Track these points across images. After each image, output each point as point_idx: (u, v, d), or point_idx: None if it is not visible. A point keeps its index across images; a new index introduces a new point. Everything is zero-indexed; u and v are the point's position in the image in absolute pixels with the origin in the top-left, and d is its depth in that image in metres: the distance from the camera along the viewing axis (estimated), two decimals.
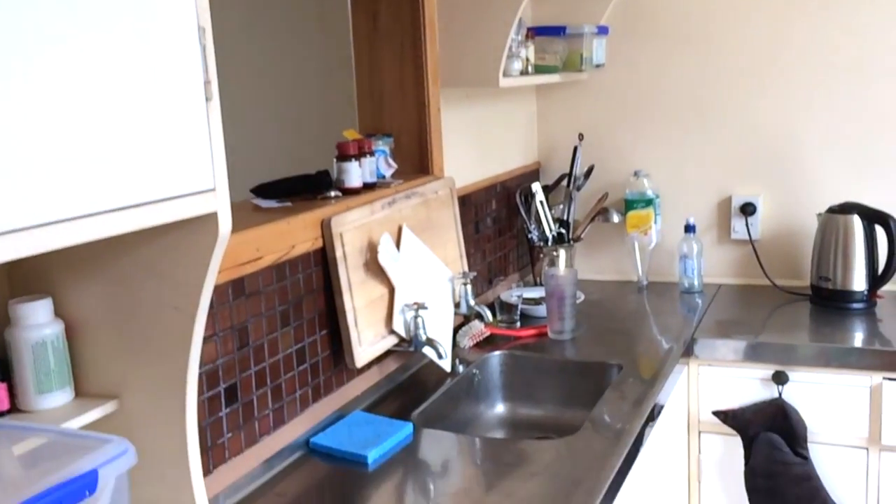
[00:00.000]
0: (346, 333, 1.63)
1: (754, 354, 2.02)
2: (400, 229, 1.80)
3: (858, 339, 2.02)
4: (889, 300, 2.24)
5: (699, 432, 2.11)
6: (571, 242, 2.41)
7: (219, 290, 1.34)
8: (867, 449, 1.96)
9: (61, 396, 0.95)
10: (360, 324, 1.65)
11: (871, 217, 2.15)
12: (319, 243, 1.58)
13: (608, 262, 2.62)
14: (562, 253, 2.37)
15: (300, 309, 1.55)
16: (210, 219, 0.89)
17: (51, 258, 0.97)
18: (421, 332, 1.77)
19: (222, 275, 1.34)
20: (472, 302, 2.00)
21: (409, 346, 1.79)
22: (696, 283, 2.41)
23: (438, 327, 1.87)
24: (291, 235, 1.51)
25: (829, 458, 1.98)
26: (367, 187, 1.76)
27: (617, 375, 1.88)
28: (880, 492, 1.95)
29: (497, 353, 2.05)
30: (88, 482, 0.70)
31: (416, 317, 1.76)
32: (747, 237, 2.42)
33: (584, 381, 1.97)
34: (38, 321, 0.93)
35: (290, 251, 1.50)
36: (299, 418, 1.56)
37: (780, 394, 2.00)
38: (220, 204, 0.89)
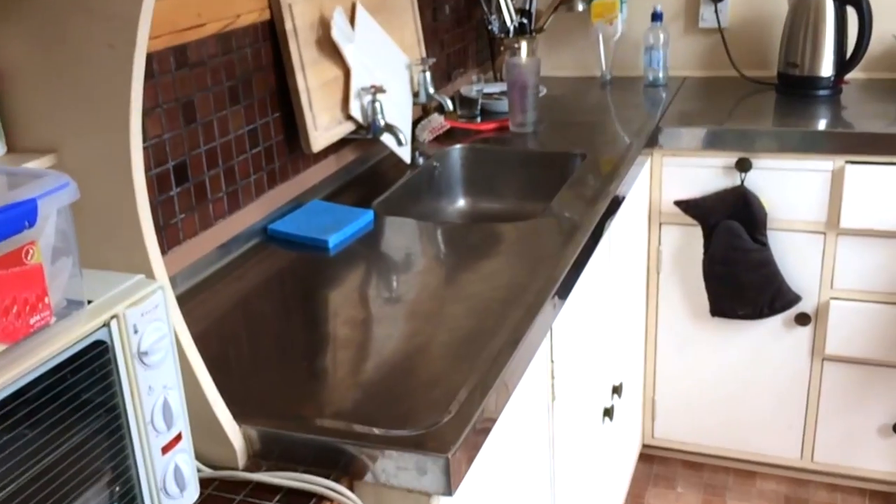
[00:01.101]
0: (301, 116, 1.54)
1: (718, 142, 1.99)
2: (353, 7, 1.67)
3: (822, 123, 1.99)
4: (854, 86, 2.21)
5: (660, 223, 2.11)
6: (533, 34, 2.30)
7: (160, 57, 1.24)
8: (825, 234, 1.98)
9: None
10: (314, 106, 1.56)
11: None
12: (267, 14, 1.46)
13: (571, 56, 2.53)
14: (523, 45, 2.27)
15: (250, 87, 1.45)
16: None
17: None
18: (379, 117, 1.69)
19: (162, 40, 1.23)
20: (431, 90, 1.91)
21: (367, 133, 1.71)
22: (661, 75, 2.34)
23: (397, 115, 1.79)
24: (236, 2, 1.38)
25: (786, 243, 2.00)
26: None
27: (579, 166, 1.83)
28: (834, 275, 1.99)
29: (458, 146, 1.98)
30: (27, 211, 0.64)
31: (373, 101, 1.68)
32: (716, 25, 2.33)
33: (546, 173, 1.93)
34: None
35: (235, 21, 1.38)
36: (255, 204, 1.50)
37: (742, 181, 1.99)
38: None
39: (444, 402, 0.99)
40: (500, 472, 1.16)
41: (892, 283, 1.95)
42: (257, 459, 0.97)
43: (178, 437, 0.82)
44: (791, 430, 2.16)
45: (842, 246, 1.96)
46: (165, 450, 0.80)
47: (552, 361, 1.37)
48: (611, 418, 1.81)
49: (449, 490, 0.91)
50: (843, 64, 2.11)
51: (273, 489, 0.91)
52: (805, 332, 2.06)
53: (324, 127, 1.59)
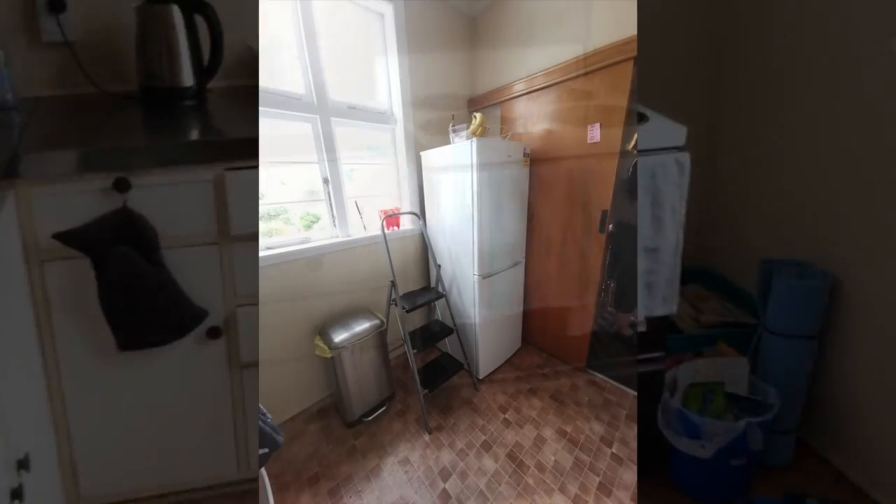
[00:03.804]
0: None
1: (91, 164, 1.81)
2: None
3: (195, 133, 1.96)
4: (217, 95, 2.23)
5: (41, 262, 1.85)
6: None
7: None
8: (219, 244, 1.95)
9: None
10: None
11: (189, 6, 2.06)
12: None
13: None
14: None
15: None
16: None
17: None
18: None
19: None
20: None
21: None
22: (9, 97, 2.06)
23: None
24: None
25: (184, 260, 1.93)
26: None
27: None
28: (236, 282, 1.98)
29: None
30: None
31: None
32: (62, 38, 2.13)
33: None
34: None
35: None
36: None
37: (125, 203, 1.85)
38: None
39: None
40: None
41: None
42: None
43: None
44: (226, 444, 2.12)
45: (237, 252, 1.96)
46: None
47: None
48: (21, 500, 1.52)
49: None
50: (203, 73, 2.10)
51: None
52: (219, 344, 2.03)
53: None
